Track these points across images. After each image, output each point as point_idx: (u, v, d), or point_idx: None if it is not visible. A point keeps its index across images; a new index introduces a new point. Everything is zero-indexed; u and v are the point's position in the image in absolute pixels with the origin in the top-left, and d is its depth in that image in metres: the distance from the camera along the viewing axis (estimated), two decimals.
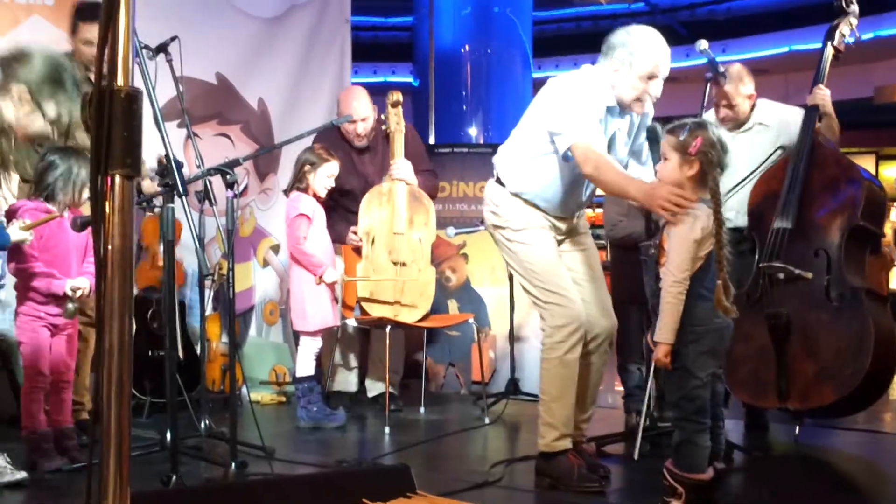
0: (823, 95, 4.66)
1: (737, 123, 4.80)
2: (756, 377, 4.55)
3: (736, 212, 4.73)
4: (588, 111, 3.68)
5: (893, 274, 14.95)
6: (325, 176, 5.12)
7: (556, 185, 3.84)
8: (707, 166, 3.15)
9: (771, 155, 4.77)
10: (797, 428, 4.78)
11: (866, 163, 14.74)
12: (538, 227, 3.87)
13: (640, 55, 3.67)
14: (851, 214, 4.49)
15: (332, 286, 5.16)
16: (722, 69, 4.61)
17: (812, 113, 4.64)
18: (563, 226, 3.95)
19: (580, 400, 3.90)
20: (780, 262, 4.50)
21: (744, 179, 4.72)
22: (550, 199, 3.88)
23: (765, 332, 4.49)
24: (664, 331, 3.11)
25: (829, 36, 4.77)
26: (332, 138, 5.38)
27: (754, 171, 4.73)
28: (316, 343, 5.17)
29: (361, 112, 5.42)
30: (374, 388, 5.66)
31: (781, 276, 4.48)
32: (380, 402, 5.52)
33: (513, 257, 3.93)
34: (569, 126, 3.66)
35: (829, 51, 4.75)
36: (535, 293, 3.85)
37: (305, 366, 5.16)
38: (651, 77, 3.70)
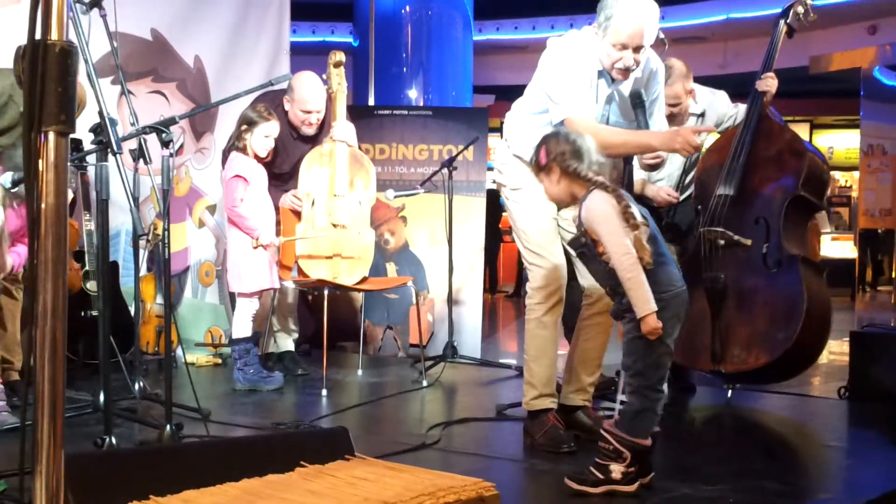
0: (769, 85, 4.66)
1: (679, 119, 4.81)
2: (691, 340, 4.61)
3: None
4: (579, 81, 3.69)
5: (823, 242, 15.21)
6: (262, 136, 5.05)
7: None
8: (566, 163, 3.21)
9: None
10: (729, 391, 4.86)
11: (801, 131, 14.97)
12: (534, 189, 3.85)
13: (614, 22, 3.62)
14: (792, 184, 4.55)
15: (269, 248, 5.12)
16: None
17: (759, 95, 4.67)
18: None
19: (587, 362, 3.98)
20: (720, 227, 4.56)
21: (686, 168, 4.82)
22: None
23: (703, 297, 4.56)
24: (641, 302, 3.06)
25: (784, 14, 4.79)
26: (278, 115, 5.28)
27: (689, 158, 4.77)
28: (253, 305, 5.13)
29: (318, 104, 5.34)
30: (284, 344, 5.64)
31: (722, 242, 4.54)
32: (284, 362, 5.52)
33: (510, 215, 4.03)
34: (562, 99, 3.69)
35: (783, 29, 4.77)
36: (523, 253, 3.96)
37: (242, 327, 5.12)
38: (624, 47, 3.65)
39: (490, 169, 7.69)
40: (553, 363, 3.92)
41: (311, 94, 5.31)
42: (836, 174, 18.30)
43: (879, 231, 15.60)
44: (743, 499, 3.12)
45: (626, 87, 3.83)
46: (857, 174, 16.27)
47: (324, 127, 5.42)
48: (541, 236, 3.90)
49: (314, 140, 5.42)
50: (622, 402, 3.20)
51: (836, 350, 7.42)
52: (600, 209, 3.13)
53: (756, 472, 3.48)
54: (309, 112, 5.31)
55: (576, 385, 3.99)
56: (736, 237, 4.51)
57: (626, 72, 3.72)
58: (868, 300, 15.01)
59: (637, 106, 3.74)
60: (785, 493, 3.28)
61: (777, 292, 4.47)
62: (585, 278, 3.87)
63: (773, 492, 3.25)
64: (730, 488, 3.21)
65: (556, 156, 3.23)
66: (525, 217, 3.94)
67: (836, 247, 15.79)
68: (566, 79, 3.70)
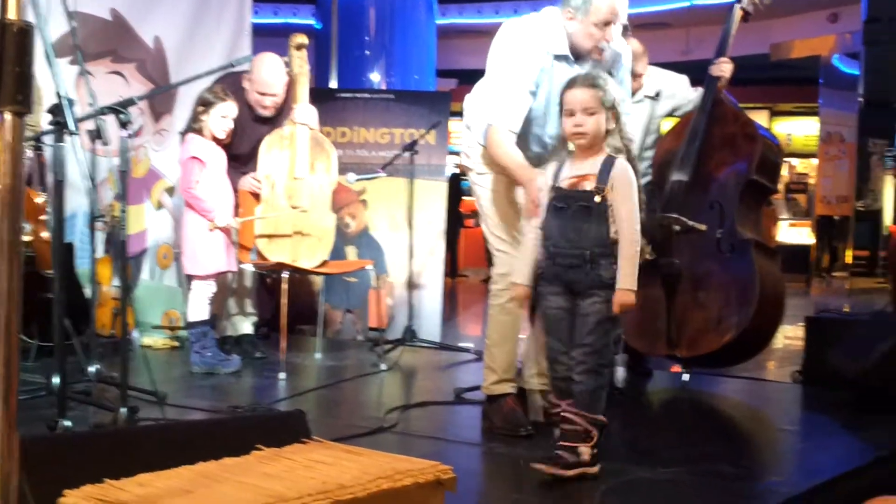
0: (723, 69, 4.67)
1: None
2: (647, 325, 4.65)
3: None
4: (515, 88, 3.70)
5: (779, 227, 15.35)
6: (219, 117, 5.01)
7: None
8: (618, 114, 3.25)
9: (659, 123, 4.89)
10: (684, 375, 4.90)
11: (760, 119, 15.10)
12: (499, 174, 3.86)
13: (594, 1, 3.62)
14: (745, 169, 4.58)
15: (226, 231, 5.09)
16: (625, 22, 4.63)
17: (714, 80, 4.69)
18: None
19: None
20: (675, 213, 4.58)
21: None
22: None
23: (658, 282, 4.59)
24: (633, 277, 3.16)
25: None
26: (237, 96, 5.23)
27: (644, 141, 4.79)
28: (210, 287, 5.10)
29: (275, 88, 5.30)
30: (241, 327, 5.62)
31: (677, 227, 4.57)
32: (242, 345, 5.50)
33: (476, 200, 4.01)
34: (494, 105, 3.74)
35: (738, 14, 4.79)
36: (488, 238, 3.95)
37: (199, 310, 5.09)
38: (606, 23, 3.65)
39: (452, 153, 7.69)
40: (514, 349, 3.93)
41: (269, 77, 5.27)
42: (794, 161, 18.45)
43: (836, 218, 15.77)
44: (698, 481, 3.16)
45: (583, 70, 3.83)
46: (815, 161, 16.42)
47: (284, 109, 5.39)
48: (506, 221, 3.90)
49: (273, 122, 5.38)
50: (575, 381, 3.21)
51: (791, 335, 7.50)
52: (635, 179, 3.21)
53: (711, 455, 3.52)
54: (264, 94, 5.28)
55: (535, 369, 3.99)
56: (691, 223, 4.54)
57: (599, 51, 3.72)
58: (824, 286, 15.18)
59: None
60: (739, 475, 3.32)
61: (730, 277, 4.51)
62: None
63: (728, 475, 3.29)
64: (686, 471, 3.24)
65: (616, 101, 3.24)
66: (491, 201, 3.94)
67: (794, 233, 15.95)
68: (506, 84, 3.72)
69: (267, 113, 5.35)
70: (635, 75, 4.85)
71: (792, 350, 6.75)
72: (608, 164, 3.21)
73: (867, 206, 16.16)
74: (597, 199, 3.16)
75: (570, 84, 3.25)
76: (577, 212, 3.20)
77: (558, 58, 3.75)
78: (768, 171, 4.67)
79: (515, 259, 3.64)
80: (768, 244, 4.70)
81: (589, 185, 3.20)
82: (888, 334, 4.28)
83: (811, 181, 16.71)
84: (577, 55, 3.76)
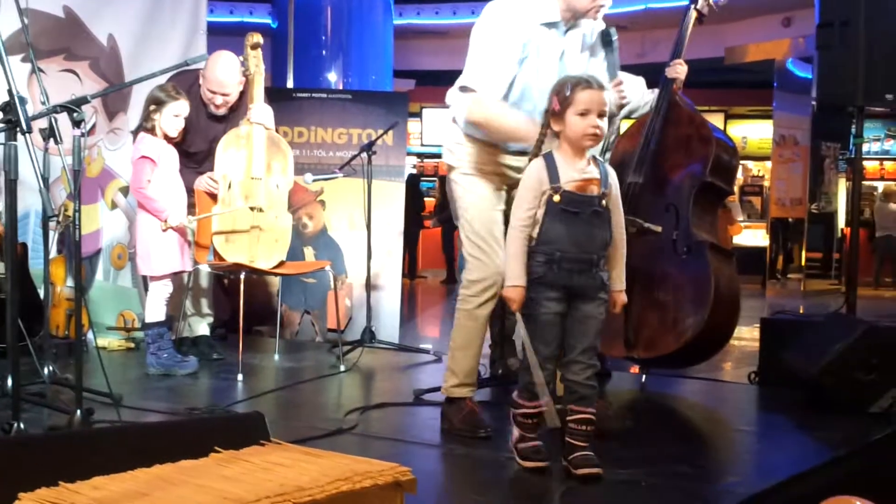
0: (678, 71, 4.68)
1: None
2: (605, 327, 4.63)
3: None
4: (500, 57, 3.63)
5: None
6: (171, 115, 4.96)
7: None
8: (573, 92, 3.20)
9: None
10: (643, 376, 4.93)
11: (716, 121, 15.22)
12: (486, 175, 3.79)
13: None
14: (700, 171, 4.61)
15: (180, 231, 5.03)
16: None
17: (669, 82, 4.71)
18: (519, 164, 3.72)
19: None
20: (631, 215, 4.60)
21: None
22: None
23: None
24: (624, 276, 3.28)
25: (694, 1, 4.82)
26: (192, 94, 5.18)
27: (602, 145, 4.80)
28: (166, 288, 5.05)
29: (226, 86, 5.25)
30: (198, 328, 5.57)
31: (633, 229, 4.58)
32: (199, 346, 5.45)
33: (455, 202, 3.90)
34: (476, 72, 3.65)
35: (692, 16, 4.81)
36: (464, 242, 3.84)
37: (155, 311, 5.03)
38: None
39: (410, 154, 7.68)
40: (477, 355, 3.89)
41: (222, 76, 5.23)
42: (749, 164, 18.65)
43: (790, 220, 15.95)
44: (656, 482, 3.17)
45: (573, 40, 3.78)
46: (769, 164, 16.60)
47: (239, 109, 5.35)
48: (483, 227, 3.79)
49: (229, 120, 5.34)
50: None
51: (746, 336, 7.57)
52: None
53: (669, 456, 3.53)
54: (215, 93, 5.24)
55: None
56: (646, 224, 4.56)
57: (597, 10, 3.69)
58: (779, 288, 15.35)
59: (606, 44, 3.70)
60: (697, 476, 3.34)
61: (686, 278, 4.53)
62: None
63: (686, 475, 3.31)
64: (643, 472, 3.25)
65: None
66: (469, 205, 3.83)
67: (748, 235, 16.12)
68: (488, 52, 3.64)
69: (219, 112, 5.31)
70: None
71: (748, 351, 6.81)
72: (604, 169, 3.25)
73: (820, 209, 16.37)
74: (604, 202, 3.20)
75: (585, 85, 3.18)
76: (590, 216, 3.20)
77: (547, 25, 3.68)
78: (723, 172, 4.69)
79: (495, 261, 3.64)
80: (724, 246, 4.73)
81: (596, 189, 3.21)
82: (842, 335, 4.33)
83: (766, 184, 16.89)
84: (574, 16, 3.70)
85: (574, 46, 3.81)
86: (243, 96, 5.33)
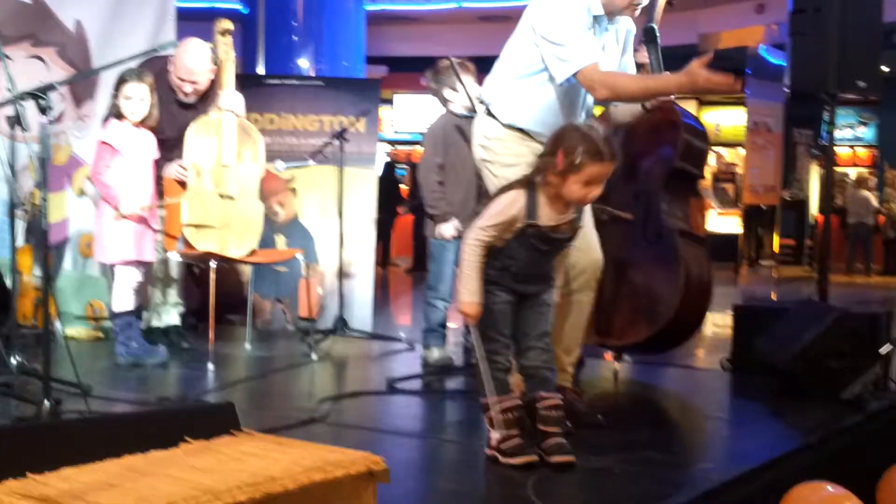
0: (646, 57, 4.67)
1: None
2: None
3: None
4: (580, 28, 3.54)
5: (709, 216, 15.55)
6: (123, 97, 4.87)
7: (552, 107, 3.66)
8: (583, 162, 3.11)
9: None
10: (617, 364, 4.93)
11: (688, 108, 15.28)
12: (527, 166, 3.71)
13: None
14: (671, 157, 4.60)
15: (140, 219, 4.94)
16: None
17: (639, 67, 4.70)
18: None
19: (563, 340, 3.82)
20: (601, 203, 4.59)
21: None
22: (548, 123, 3.62)
23: None
24: None
25: None
26: (160, 79, 5.12)
27: None
28: (133, 276, 4.98)
29: (195, 74, 5.20)
30: (168, 318, 5.52)
31: (604, 217, 4.58)
32: (169, 336, 5.42)
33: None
34: (568, 52, 3.52)
35: (662, 1, 4.80)
36: None
37: (123, 300, 4.98)
38: None
39: (382, 141, 7.64)
40: None
41: (191, 63, 5.17)
42: (722, 151, 18.72)
43: (763, 207, 16.04)
44: (629, 469, 3.17)
45: (612, 35, 3.73)
46: (742, 151, 16.67)
47: (210, 96, 5.30)
48: None
49: (198, 108, 5.29)
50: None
51: (719, 323, 7.60)
52: None
53: (641, 442, 3.54)
54: (184, 80, 5.18)
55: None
56: (616, 212, 4.55)
57: (634, 9, 3.63)
58: (752, 275, 15.44)
59: (650, 41, 3.65)
60: (669, 462, 3.35)
61: (657, 265, 4.53)
62: (576, 249, 3.70)
63: (658, 462, 3.31)
64: (616, 459, 3.26)
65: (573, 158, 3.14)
66: None
67: (722, 222, 16.19)
68: (567, 29, 3.52)
69: (188, 99, 5.26)
70: None
71: (720, 338, 6.83)
72: (581, 209, 3.30)
73: (793, 196, 16.48)
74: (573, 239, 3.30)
75: (598, 157, 3.11)
76: (555, 251, 3.28)
77: (594, 18, 3.62)
78: (694, 157, 4.67)
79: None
80: (695, 232, 4.72)
81: (568, 229, 3.25)
82: (814, 322, 4.35)
83: (739, 171, 16.96)
84: (612, 12, 3.65)
85: (611, 41, 3.75)
86: (213, 84, 5.28)
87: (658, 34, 3.69)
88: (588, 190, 3.14)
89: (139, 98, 4.88)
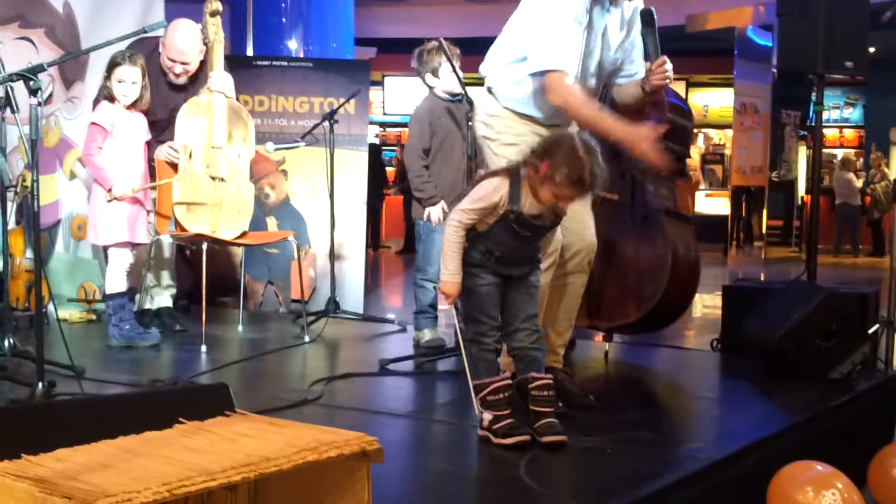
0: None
1: None
2: None
3: None
4: (562, 30, 3.55)
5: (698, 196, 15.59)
6: (116, 80, 4.85)
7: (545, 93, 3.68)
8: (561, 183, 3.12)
9: None
10: (607, 345, 4.96)
11: (677, 90, 15.28)
12: (527, 147, 3.78)
13: None
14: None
15: (135, 200, 4.94)
16: None
17: None
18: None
19: (555, 322, 3.85)
20: None
21: None
22: (542, 106, 3.69)
23: None
24: None
25: None
26: (151, 63, 5.11)
27: None
28: (125, 258, 4.98)
29: (186, 55, 5.18)
30: (161, 300, 5.53)
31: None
32: (161, 318, 5.42)
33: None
34: (542, 52, 3.55)
35: None
36: None
37: (115, 282, 4.98)
38: None
39: (372, 123, 7.63)
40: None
41: (181, 44, 5.16)
42: (710, 132, 18.74)
43: (751, 188, 16.08)
44: (619, 449, 3.19)
45: (615, 17, 3.72)
46: (730, 132, 16.69)
47: (199, 77, 5.29)
48: None
49: (188, 89, 5.28)
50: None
51: (709, 304, 7.63)
52: None
53: (632, 422, 3.56)
54: (174, 61, 5.17)
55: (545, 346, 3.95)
56: (602, 193, 4.55)
57: None
58: (740, 255, 15.48)
59: (647, 24, 3.60)
60: (659, 442, 3.37)
61: (644, 246, 4.54)
62: (565, 236, 3.75)
63: (649, 441, 3.34)
64: (607, 439, 3.27)
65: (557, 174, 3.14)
66: None
67: (711, 203, 16.22)
68: (555, 24, 3.55)
69: (179, 80, 5.25)
70: None
71: (710, 319, 6.87)
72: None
73: (781, 177, 16.51)
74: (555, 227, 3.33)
75: (580, 186, 3.13)
76: (537, 237, 3.30)
77: (599, 1, 3.62)
78: (678, 136, 4.66)
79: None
80: (682, 211, 4.72)
81: (548, 216, 3.25)
82: (803, 302, 4.37)
83: (727, 152, 16.99)
84: None
85: (615, 23, 3.74)
86: (203, 65, 5.26)
87: (655, 17, 3.67)
88: (558, 202, 3.18)
89: (131, 81, 4.87)
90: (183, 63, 5.19)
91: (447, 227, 3.24)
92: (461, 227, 3.20)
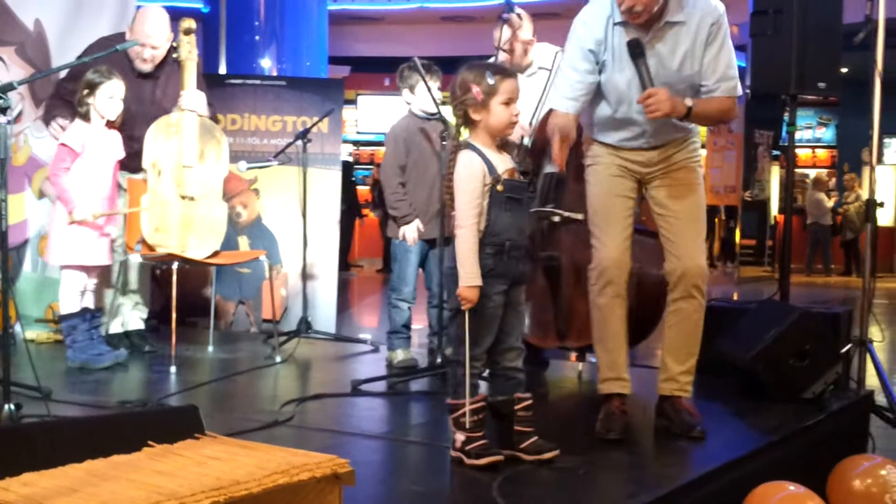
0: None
1: (519, 69, 4.77)
2: (537, 318, 4.66)
3: None
4: (567, 72, 3.74)
5: None
6: (106, 97, 4.83)
7: (604, 111, 3.79)
8: (496, 82, 3.18)
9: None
10: (580, 364, 4.94)
11: None
12: (605, 165, 3.81)
13: None
14: None
15: (93, 225, 4.87)
16: (518, 10, 4.63)
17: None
18: (641, 159, 3.79)
19: (672, 350, 3.84)
20: (551, 206, 4.59)
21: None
22: (605, 128, 3.83)
23: (542, 275, 4.59)
24: None
25: None
26: (116, 57, 5.06)
27: (535, 114, 4.75)
28: (80, 279, 4.91)
29: (153, 39, 5.15)
30: (130, 321, 5.46)
31: (556, 219, 4.58)
32: (131, 339, 5.36)
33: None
34: (559, 81, 3.83)
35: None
36: (590, 229, 3.87)
37: (68, 303, 4.90)
38: None
39: (346, 142, 7.60)
40: (616, 348, 3.84)
41: (150, 29, 5.15)
42: None
43: (724, 207, 16.19)
44: (593, 470, 3.18)
45: (667, 42, 3.63)
46: (704, 152, 16.79)
47: (166, 64, 5.27)
48: (600, 215, 3.82)
49: (157, 77, 5.28)
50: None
51: None
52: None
53: (606, 442, 3.55)
54: (144, 45, 5.13)
55: (664, 374, 3.89)
56: (567, 213, 4.55)
57: (634, 15, 3.53)
58: (713, 275, 15.55)
59: (636, 56, 3.57)
60: (633, 463, 3.37)
61: None
62: (667, 261, 3.79)
63: (622, 462, 3.33)
64: (580, 460, 3.26)
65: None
66: (591, 194, 3.87)
67: None
68: (567, 59, 3.77)
69: (145, 66, 5.20)
70: (525, 43, 4.84)
71: None
72: (509, 157, 3.30)
73: (754, 196, 16.62)
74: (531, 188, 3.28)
75: (505, 73, 3.23)
76: (526, 202, 3.30)
77: (621, 24, 3.61)
78: None
79: (607, 246, 3.71)
80: (648, 227, 4.72)
81: (516, 176, 3.25)
82: (775, 322, 4.37)
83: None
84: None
85: (669, 45, 3.66)
86: (169, 53, 5.23)
87: (645, 47, 3.61)
88: (510, 109, 3.19)
89: (120, 97, 4.86)
90: (152, 47, 5.16)
91: (457, 238, 3.17)
92: (470, 226, 3.15)
